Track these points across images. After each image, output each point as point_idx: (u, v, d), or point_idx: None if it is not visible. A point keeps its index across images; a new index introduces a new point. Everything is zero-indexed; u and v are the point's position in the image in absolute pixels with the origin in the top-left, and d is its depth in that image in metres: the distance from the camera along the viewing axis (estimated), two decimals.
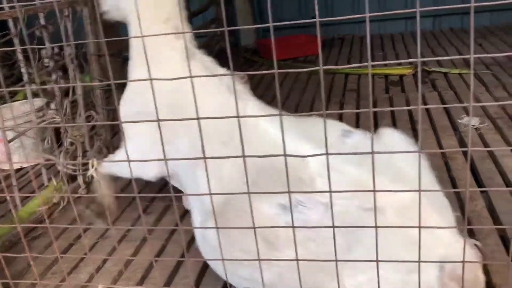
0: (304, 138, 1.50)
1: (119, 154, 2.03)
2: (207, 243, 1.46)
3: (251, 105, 1.74)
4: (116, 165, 1.99)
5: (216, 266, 1.54)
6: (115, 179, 2.08)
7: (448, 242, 1.25)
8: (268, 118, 1.56)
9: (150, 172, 1.88)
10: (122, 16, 1.93)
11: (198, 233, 1.54)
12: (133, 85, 1.90)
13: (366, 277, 1.22)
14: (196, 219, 1.58)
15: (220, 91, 1.75)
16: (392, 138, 1.60)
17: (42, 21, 2.37)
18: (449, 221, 1.34)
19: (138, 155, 1.77)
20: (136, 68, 1.90)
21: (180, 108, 1.45)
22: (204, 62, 1.88)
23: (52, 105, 2.50)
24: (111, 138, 2.80)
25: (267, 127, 1.56)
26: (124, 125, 1.82)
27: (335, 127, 1.62)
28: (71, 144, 2.35)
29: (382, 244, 1.04)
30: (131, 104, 1.87)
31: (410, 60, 3.83)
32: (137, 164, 1.66)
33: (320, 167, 1.36)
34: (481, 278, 1.25)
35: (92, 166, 1.54)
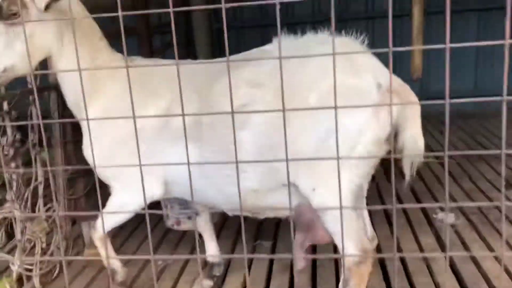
0: None
1: (115, 199, 1.95)
2: None
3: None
4: (115, 216, 1.97)
5: None
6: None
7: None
8: None
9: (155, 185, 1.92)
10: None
11: None
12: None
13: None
14: None
15: None
16: None
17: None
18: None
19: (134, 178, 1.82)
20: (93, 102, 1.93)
21: None
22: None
23: (8, 196, 2.29)
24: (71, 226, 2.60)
25: None
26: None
27: None
28: (29, 241, 2.14)
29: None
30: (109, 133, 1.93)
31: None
32: (138, 188, 1.42)
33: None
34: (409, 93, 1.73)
35: None
